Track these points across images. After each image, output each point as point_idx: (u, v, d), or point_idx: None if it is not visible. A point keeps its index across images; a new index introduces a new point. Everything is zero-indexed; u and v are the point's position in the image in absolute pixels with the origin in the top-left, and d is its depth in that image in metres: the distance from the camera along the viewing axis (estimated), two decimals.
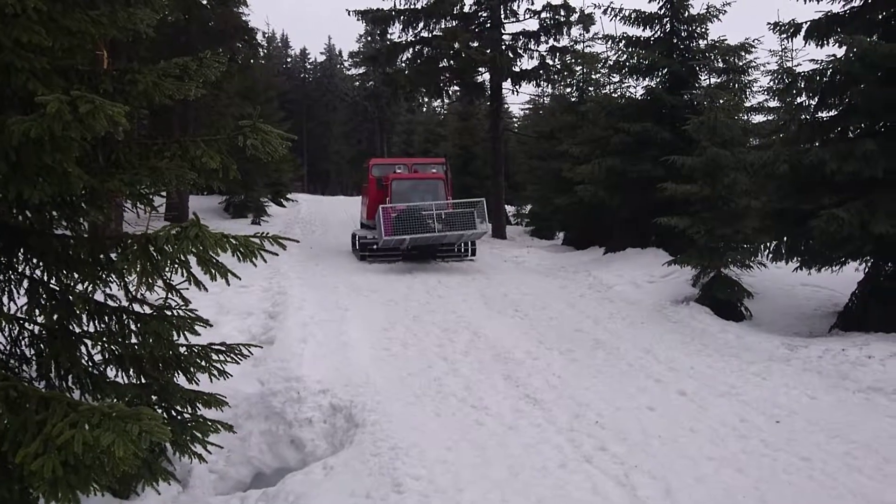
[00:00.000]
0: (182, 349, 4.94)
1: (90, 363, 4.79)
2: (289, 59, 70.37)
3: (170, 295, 4.77)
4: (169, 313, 4.76)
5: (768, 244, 10.26)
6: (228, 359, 5.11)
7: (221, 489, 5.86)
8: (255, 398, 6.85)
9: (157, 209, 4.81)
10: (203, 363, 5.01)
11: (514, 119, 36.10)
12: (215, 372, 5.09)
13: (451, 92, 24.26)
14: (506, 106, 28.86)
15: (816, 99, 10.03)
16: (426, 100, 27.99)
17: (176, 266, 4.05)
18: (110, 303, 4.80)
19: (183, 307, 4.85)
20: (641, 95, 16.03)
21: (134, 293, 4.74)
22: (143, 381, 4.89)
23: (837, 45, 9.26)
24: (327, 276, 13.61)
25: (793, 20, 10.26)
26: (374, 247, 15.46)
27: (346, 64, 64.60)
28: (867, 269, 9.71)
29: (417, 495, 4.83)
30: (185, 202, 19.45)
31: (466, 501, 4.75)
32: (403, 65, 22.58)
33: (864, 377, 7.16)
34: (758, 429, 6.07)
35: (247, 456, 6.30)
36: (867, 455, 5.48)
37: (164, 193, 10.45)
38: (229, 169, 4.43)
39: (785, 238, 10.07)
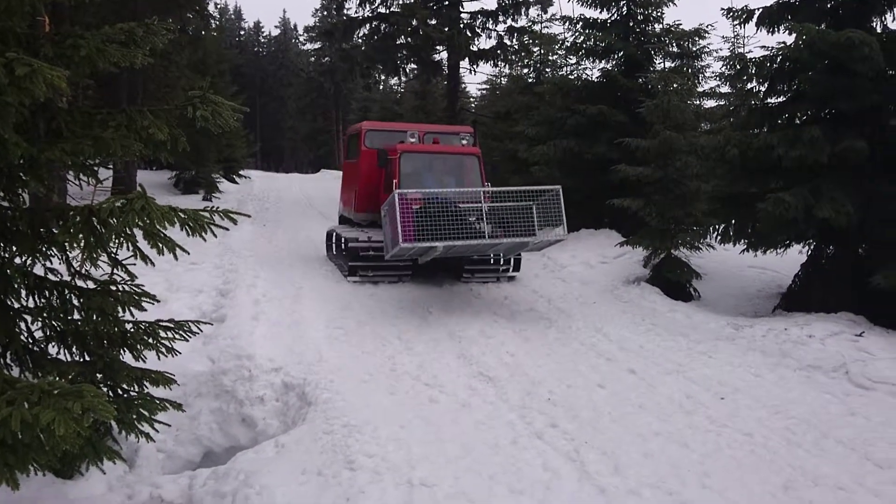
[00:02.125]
0: (128, 326, 4.81)
1: (30, 339, 4.63)
2: (242, 33, 68.72)
3: (115, 270, 4.63)
4: (114, 289, 4.62)
5: (717, 227, 10.50)
6: (177, 336, 5.00)
7: (170, 468, 5.76)
8: (206, 376, 6.73)
9: (103, 182, 4.64)
10: (151, 340, 4.89)
11: (472, 99, 36.01)
12: (163, 349, 4.98)
13: (408, 70, 23.98)
14: (463, 86, 28.76)
15: (766, 85, 10.25)
16: (383, 77, 27.64)
17: (121, 240, 3.92)
18: (52, 277, 4.63)
19: (129, 283, 4.71)
20: (598, 78, 16.12)
21: (77, 268, 4.58)
22: (87, 358, 4.75)
23: (788, 32, 9.45)
24: (282, 253, 13.40)
25: (745, 6, 10.42)
26: (379, 256, 10.20)
27: (301, 38, 63.36)
28: (810, 252, 10.03)
29: (370, 472, 4.82)
30: (133, 176, 18.86)
31: (419, 478, 4.76)
32: (360, 41, 22.22)
33: (805, 355, 7.41)
34: (703, 405, 6.23)
35: (196, 435, 6.21)
36: (807, 430, 5.68)
37: (109, 166, 10.08)
38: (178, 141, 4.29)
39: (733, 221, 10.31)
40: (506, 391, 6.54)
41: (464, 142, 11.49)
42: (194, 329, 5.08)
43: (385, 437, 5.41)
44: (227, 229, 4.16)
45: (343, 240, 11.42)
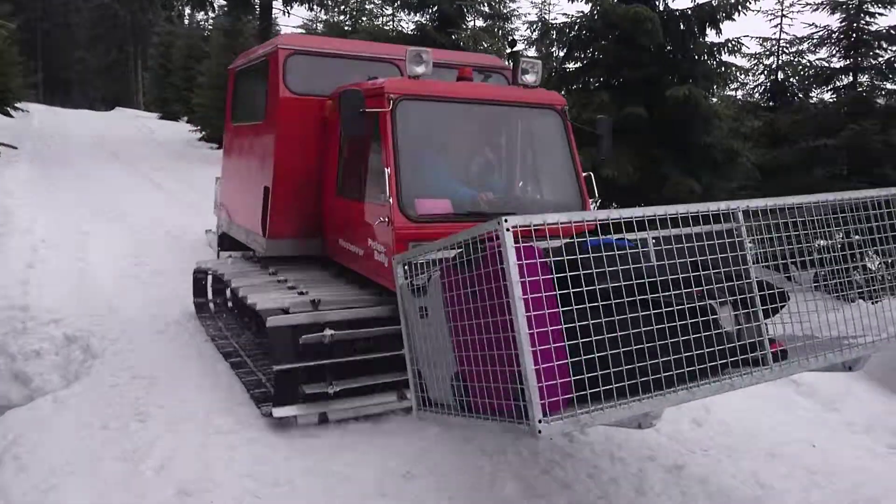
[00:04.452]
0: None
1: None
2: None
3: None
4: None
5: None
6: None
7: None
8: None
9: None
10: None
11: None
12: None
13: (216, 5, 22.40)
14: (277, 28, 27.49)
15: (565, 51, 10.93)
16: (187, 10, 25.61)
17: None
18: None
19: None
20: (412, 30, 16.17)
21: None
22: None
23: (585, 1, 10.11)
24: (66, 196, 12.13)
25: None
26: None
27: None
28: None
29: (163, 423, 4.61)
30: None
31: (215, 424, 4.64)
32: None
33: None
34: None
35: None
36: None
37: None
38: None
39: None
40: None
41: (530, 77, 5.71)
42: None
43: (185, 387, 5.19)
44: None
45: (256, 312, 5.03)
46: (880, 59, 11.52)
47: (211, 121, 24.65)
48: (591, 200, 5.17)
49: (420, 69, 4.83)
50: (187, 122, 29.45)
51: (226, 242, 7.42)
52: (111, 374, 5.35)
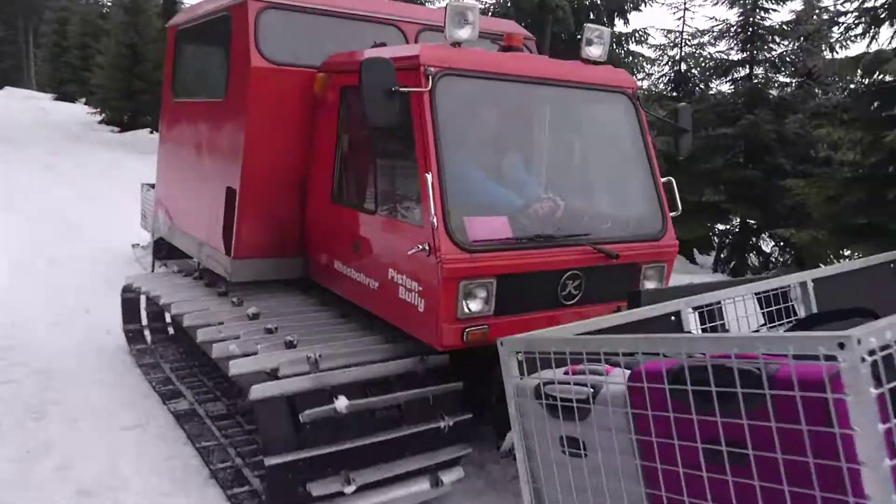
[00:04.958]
0: None
1: None
2: None
3: None
4: None
5: None
6: None
7: None
8: None
9: None
10: None
11: None
12: None
13: None
14: (181, 4, 26.37)
15: None
16: None
17: None
18: None
19: None
20: None
21: None
22: None
23: None
24: None
25: None
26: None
27: None
28: None
29: (63, 421, 4.37)
30: None
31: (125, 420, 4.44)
32: None
33: None
34: None
35: None
36: None
37: None
38: None
39: None
40: None
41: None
42: None
43: (87, 382, 4.93)
44: None
45: (230, 373, 3.60)
46: (773, 52, 12.18)
47: (111, 102, 23.55)
48: (671, 214, 4.08)
49: (464, 33, 3.51)
50: (85, 103, 28.00)
51: (164, 250, 5.98)
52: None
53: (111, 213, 10.43)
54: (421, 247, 3.30)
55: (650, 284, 3.99)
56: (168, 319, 5.58)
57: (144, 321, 5.76)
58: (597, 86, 4.02)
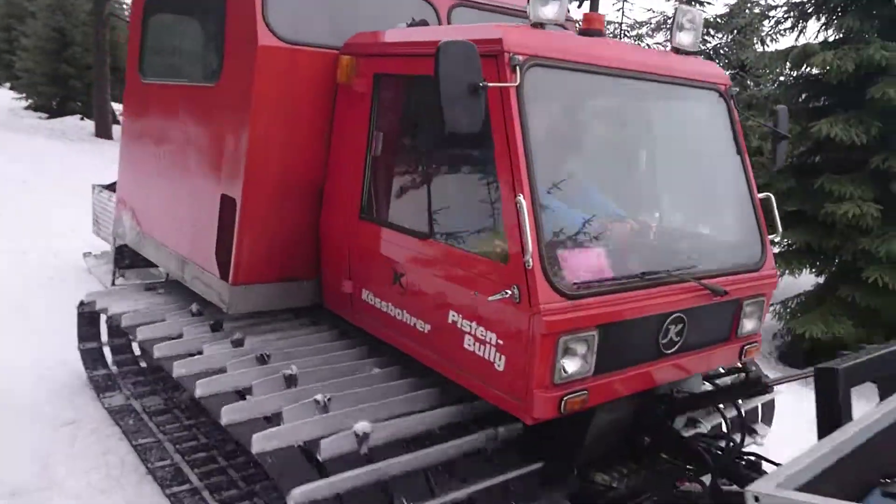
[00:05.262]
0: None
1: None
2: None
3: None
4: None
5: None
6: None
7: None
8: None
9: None
10: None
11: (124, 5, 31.14)
12: None
13: None
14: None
15: None
16: None
17: None
18: None
19: None
20: None
21: None
22: None
23: None
24: None
25: None
26: None
27: None
28: None
29: None
30: None
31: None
32: None
33: None
34: None
35: None
36: None
37: None
38: None
39: None
40: None
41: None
42: None
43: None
44: None
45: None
46: (709, 45, 12.31)
47: (38, 87, 22.34)
48: (770, 237, 3.42)
49: (550, 11, 2.73)
50: (10, 88, 26.37)
51: (127, 258, 5.11)
52: None
53: (48, 211, 9.15)
54: (509, 292, 2.54)
55: (749, 324, 3.36)
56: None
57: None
58: (692, 81, 3.29)
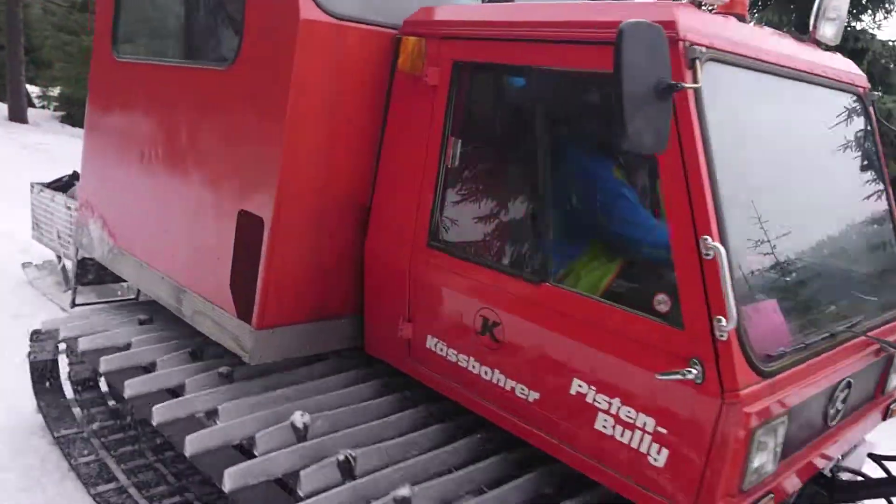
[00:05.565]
0: None
1: None
2: None
3: None
4: None
5: None
6: None
7: None
8: None
9: None
10: None
11: None
12: None
13: None
14: None
15: None
16: None
17: None
18: None
19: None
20: None
21: None
22: None
23: None
24: None
25: None
26: None
27: None
28: None
29: None
30: None
31: None
32: None
33: None
34: None
35: None
36: None
37: None
38: None
39: None
40: None
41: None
42: None
43: None
44: None
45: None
46: None
47: None
48: None
49: None
50: None
51: (91, 273, 4.23)
52: None
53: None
54: (692, 372, 1.83)
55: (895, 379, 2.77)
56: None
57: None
58: (843, 84, 2.68)
